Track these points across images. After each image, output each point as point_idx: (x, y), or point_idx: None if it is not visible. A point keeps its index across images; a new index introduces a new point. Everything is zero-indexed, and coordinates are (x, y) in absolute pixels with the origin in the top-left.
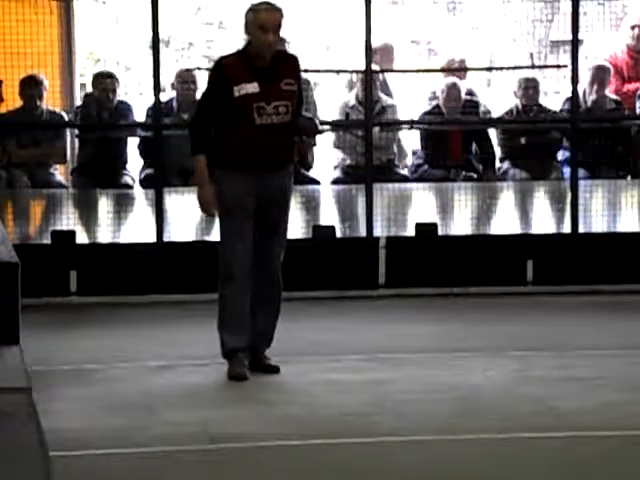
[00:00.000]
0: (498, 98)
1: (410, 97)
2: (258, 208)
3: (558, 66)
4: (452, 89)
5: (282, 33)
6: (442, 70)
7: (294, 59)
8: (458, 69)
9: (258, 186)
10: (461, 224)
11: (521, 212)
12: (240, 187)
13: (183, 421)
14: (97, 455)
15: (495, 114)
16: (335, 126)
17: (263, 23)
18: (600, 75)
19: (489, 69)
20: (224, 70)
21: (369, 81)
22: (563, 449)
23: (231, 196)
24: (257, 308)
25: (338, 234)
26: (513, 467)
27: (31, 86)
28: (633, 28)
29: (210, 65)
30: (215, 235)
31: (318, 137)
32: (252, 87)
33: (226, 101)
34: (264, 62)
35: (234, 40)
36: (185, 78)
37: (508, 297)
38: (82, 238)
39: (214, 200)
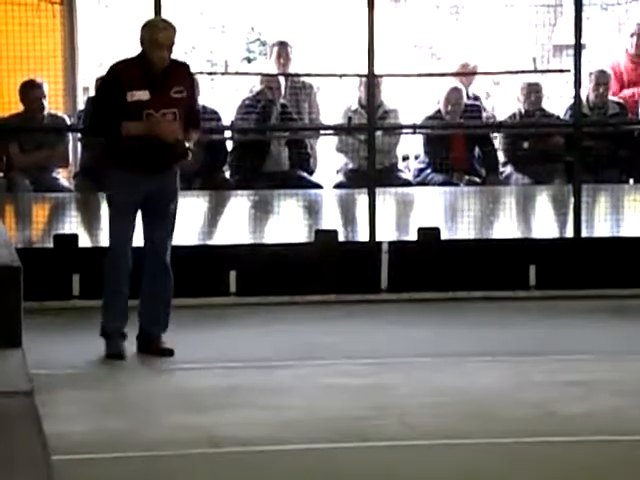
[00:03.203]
0: (501, 102)
1: (413, 102)
2: (146, 204)
3: (561, 70)
4: (452, 93)
5: (286, 37)
6: (444, 74)
7: (185, 67)
8: (460, 74)
9: (146, 185)
10: (464, 228)
11: (524, 217)
12: (129, 186)
13: (185, 425)
14: (99, 459)
15: (498, 118)
16: (338, 130)
17: (161, 43)
18: (602, 79)
19: (492, 73)
20: (119, 75)
21: (372, 85)
22: (566, 454)
23: (120, 194)
24: (149, 296)
25: (341, 238)
26: (515, 472)
27: (31, 90)
28: (632, 36)
29: (212, 69)
30: (221, 239)
31: (321, 141)
32: (143, 94)
33: (119, 104)
34: (156, 72)
35: (236, 44)
36: None
37: (511, 301)
38: (84, 242)
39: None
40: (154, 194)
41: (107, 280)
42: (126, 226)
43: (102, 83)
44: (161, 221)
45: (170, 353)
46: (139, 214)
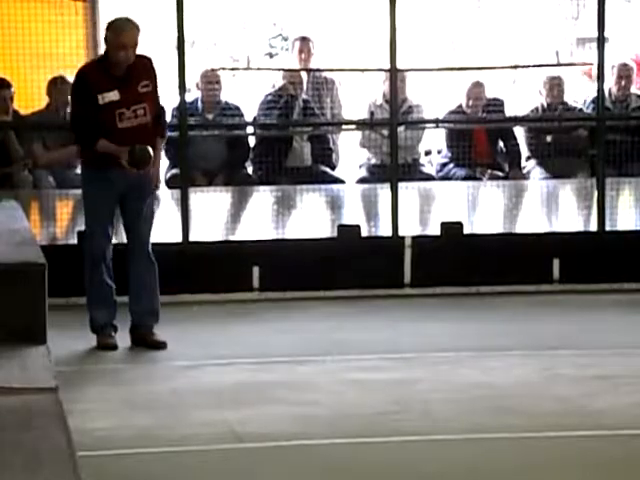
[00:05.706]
0: (523, 96)
1: (435, 96)
2: (123, 199)
3: (584, 64)
4: (473, 88)
5: (308, 32)
6: (467, 68)
7: (148, 60)
8: (481, 67)
9: (122, 181)
10: (487, 223)
11: (547, 210)
12: (105, 184)
13: (210, 420)
14: (124, 455)
15: (520, 112)
16: (360, 125)
17: (125, 43)
18: (624, 72)
19: (514, 67)
20: (87, 80)
21: (394, 80)
22: (593, 448)
23: (97, 193)
24: (137, 289)
25: (363, 233)
26: (542, 467)
27: (61, 85)
28: None
29: (234, 65)
30: (244, 235)
31: (343, 136)
32: (113, 95)
33: (93, 107)
34: (121, 70)
35: (258, 39)
36: (210, 78)
37: (535, 296)
38: None
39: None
40: (130, 188)
41: (90, 279)
42: (103, 219)
43: (74, 90)
44: (140, 214)
45: (164, 346)
46: (117, 211)
